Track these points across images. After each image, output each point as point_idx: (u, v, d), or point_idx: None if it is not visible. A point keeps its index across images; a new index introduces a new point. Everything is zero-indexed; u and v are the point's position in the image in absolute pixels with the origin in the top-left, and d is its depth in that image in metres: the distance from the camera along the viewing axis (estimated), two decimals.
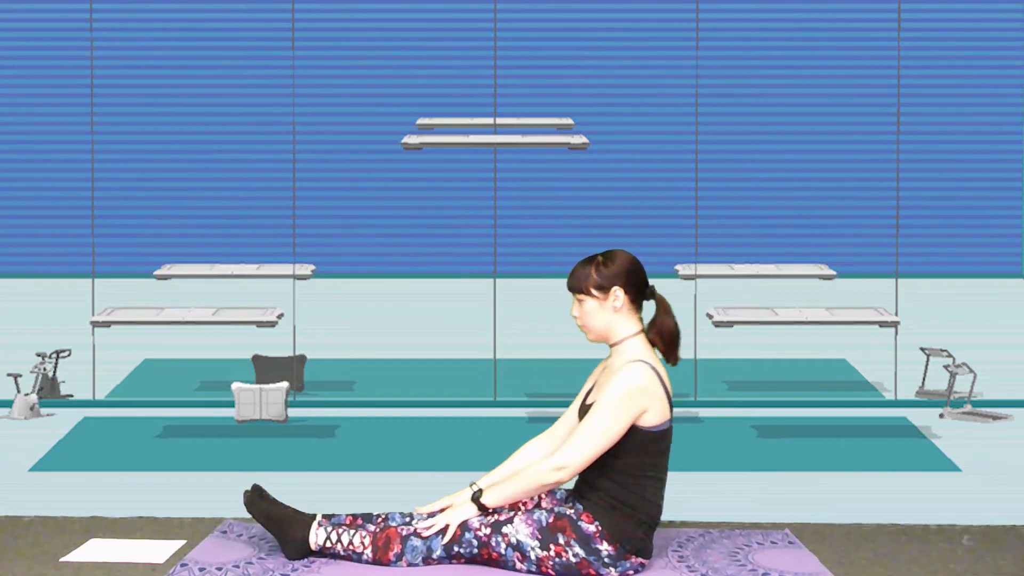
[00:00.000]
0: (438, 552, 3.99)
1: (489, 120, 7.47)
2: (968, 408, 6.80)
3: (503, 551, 3.96)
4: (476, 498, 4.01)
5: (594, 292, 4.05)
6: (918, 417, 6.80)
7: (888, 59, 10.89)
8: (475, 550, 3.98)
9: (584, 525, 3.93)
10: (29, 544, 4.39)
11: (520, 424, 6.67)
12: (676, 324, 4.07)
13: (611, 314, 4.04)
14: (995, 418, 6.74)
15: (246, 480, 4.51)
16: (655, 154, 11.68)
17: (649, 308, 4.13)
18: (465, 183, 11.63)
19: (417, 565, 3.99)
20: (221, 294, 8.62)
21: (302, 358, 7.24)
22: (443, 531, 3.99)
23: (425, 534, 3.99)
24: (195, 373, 7.83)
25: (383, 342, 8.83)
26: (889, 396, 7.21)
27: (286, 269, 7.23)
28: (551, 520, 3.95)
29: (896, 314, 6.84)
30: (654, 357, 4.04)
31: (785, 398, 7.13)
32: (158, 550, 4.31)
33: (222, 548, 4.23)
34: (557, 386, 7.46)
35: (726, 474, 5.82)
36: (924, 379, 7.19)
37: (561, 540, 3.93)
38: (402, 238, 11.83)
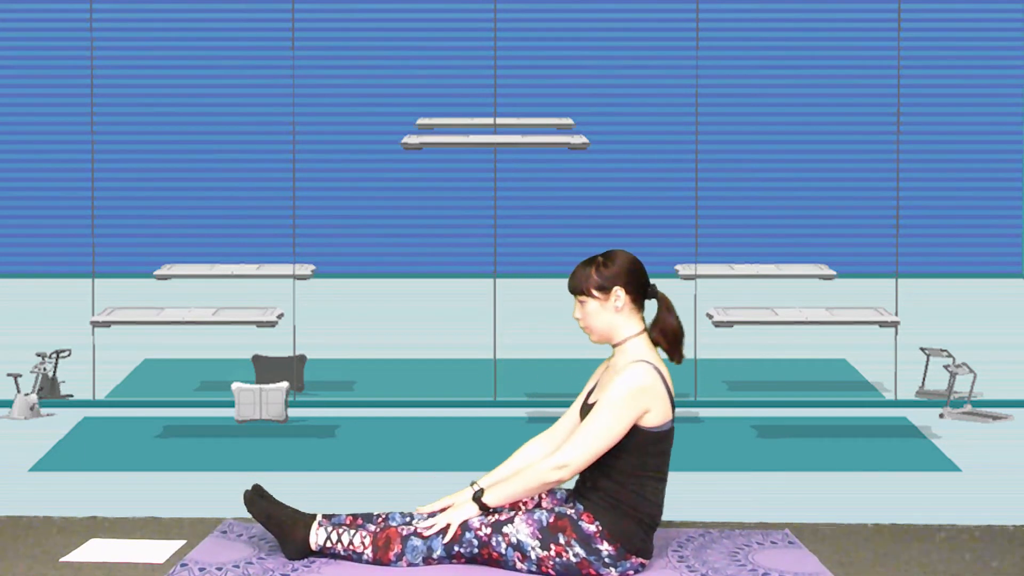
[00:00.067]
0: (438, 552, 3.99)
1: (489, 120, 7.47)
2: (968, 408, 6.80)
3: (503, 551, 3.96)
4: (477, 497, 4.01)
5: (595, 293, 4.05)
6: (918, 417, 6.80)
7: (888, 59, 10.90)
8: (475, 550, 3.98)
9: (585, 525, 3.93)
10: (29, 544, 4.38)
11: (520, 424, 6.67)
12: (679, 322, 4.07)
13: (613, 314, 4.05)
14: (995, 418, 6.74)
15: (246, 480, 4.51)
16: (655, 154, 11.68)
17: (651, 308, 4.13)
18: (465, 183, 11.63)
19: (417, 565, 3.99)
20: (221, 294, 8.62)
21: (302, 358, 7.24)
22: (444, 531, 3.99)
23: (426, 534, 3.99)
24: (195, 373, 7.82)
25: (383, 342, 8.83)
26: (889, 396, 7.21)
27: (286, 269, 7.23)
28: (552, 520, 3.95)
29: (896, 314, 6.84)
30: (657, 357, 4.04)
31: (785, 398, 7.13)
32: (158, 550, 4.31)
33: (222, 548, 4.23)
34: (557, 386, 7.46)
35: (726, 474, 5.82)
36: (924, 379, 7.19)
37: (562, 540, 3.93)
38: (402, 238, 11.83)
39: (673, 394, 4.03)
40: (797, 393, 7.37)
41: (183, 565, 4.09)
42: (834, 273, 7.19)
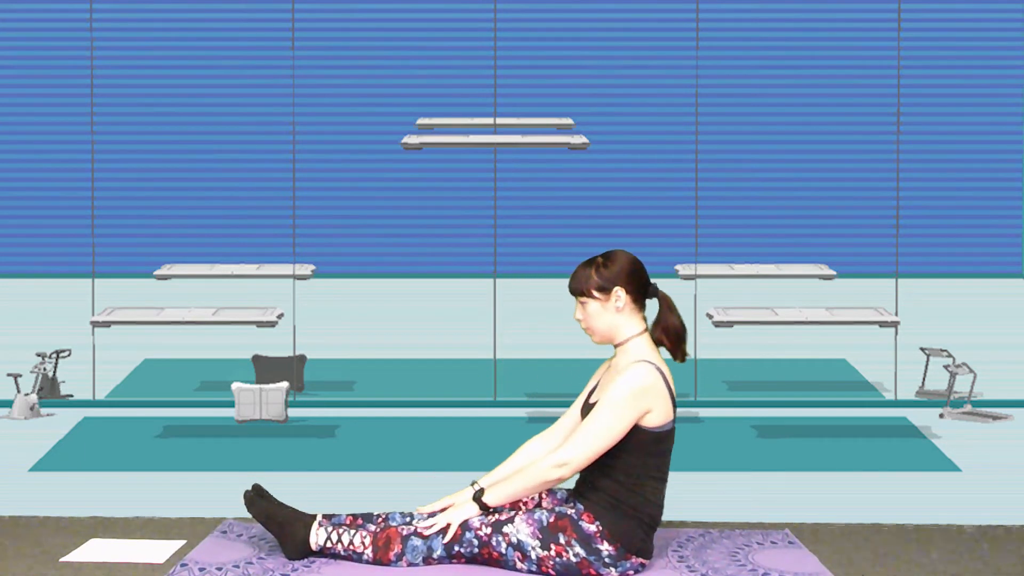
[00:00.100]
0: (438, 552, 3.99)
1: (489, 120, 7.47)
2: (968, 408, 6.80)
3: (504, 551, 3.96)
4: (477, 497, 4.01)
5: (596, 294, 4.05)
6: (918, 417, 6.80)
7: (888, 59, 10.90)
8: (476, 550, 3.98)
9: (585, 525, 3.93)
10: (29, 544, 4.38)
11: (520, 424, 6.67)
12: (681, 320, 4.07)
13: (614, 315, 4.05)
14: (995, 418, 6.74)
15: (246, 480, 4.51)
16: (655, 154, 11.68)
17: (651, 307, 4.13)
18: (465, 183, 11.63)
19: (417, 565, 3.99)
20: (221, 294, 8.62)
21: (302, 358, 7.24)
22: (444, 531, 3.99)
23: (426, 533, 3.99)
24: (195, 373, 7.83)
25: (383, 342, 8.83)
26: (889, 396, 7.21)
27: (286, 269, 7.23)
28: (552, 520, 3.95)
29: (896, 314, 6.84)
30: (659, 357, 4.04)
31: (785, 398, 7.14)
32: (158, 550, 4.31)
33: (222, 548, 4.23)
34: (557, 386, 7.46)
35: (726, 474, 5.82)
36: (924, 379, 7.19)
37: (562, 540, 3.93)
38: (402, 238, 11.83)
39: (675, 394, 4.03)
40: (797, 393, 7.37)
41: (183, 565, 4.09)
42: (834, 273, 7.19)
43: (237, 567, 4.05)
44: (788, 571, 4.07)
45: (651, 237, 11.12)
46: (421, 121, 7.51)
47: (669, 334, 4.06)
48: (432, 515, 4.10)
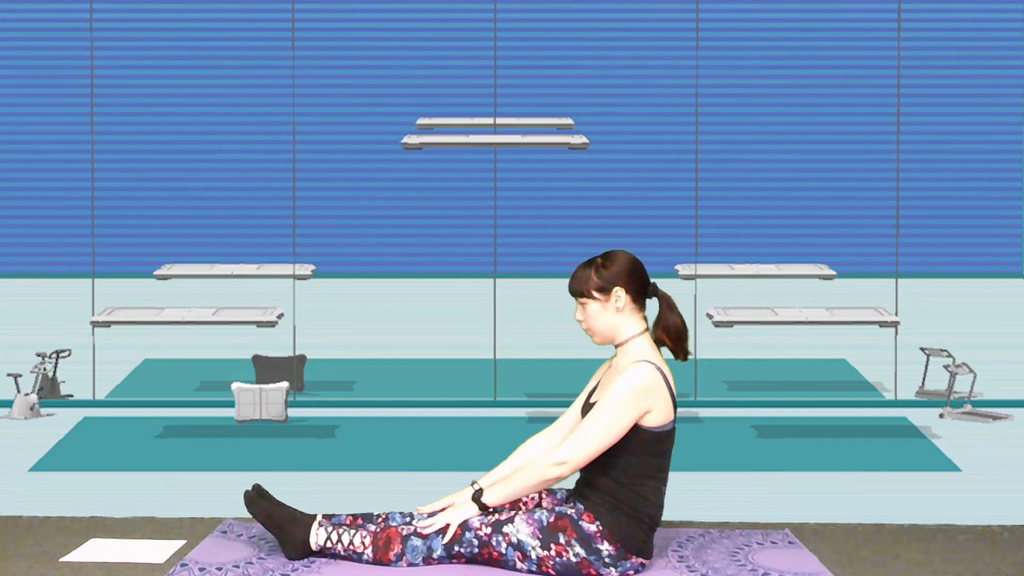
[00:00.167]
0: (438, 552, 3.99)
1: (489, 120, 7.47)
2: (968, 408, 6.80)
3: (504, 551, 3.96)
4: (476, 498, 4.01)
5: (596, 294, 4.05)
6: (918, 417, 6.79)
7: (888, 59, 10.90)
8: (476, 550, 3.98)
9: (585, 525, 3.93)
10: (29, 544, 4.38)
11: (520, 424, 6.67)
12: (682, 319, 4.07)
13: (614, 315, 4.05)
14: (995, 418, 6.74)
15: (246, 480, 4.51)
16: (655, 154, 11.68)
17: (652, 307, 4.13)
18: (465, 183, 11.63)
19: (417, 565, 3.99)
20: (221, 294, 8.62)
21: (302, 358, 7.24)
22: (443, 531, 3.99)
23: (425, 532, 3.99)
24: (195, 373, 7.82)
25: (383, 342, 8.83)
26: (889, 396, 7.21)
27: (286, 269, 7.23)
28: (552, 520, 3.95)
29: (896, 314, 6.84)
30: (659, 357, 4.04)
31: (785, 398, 7.13)
32: (158, 550, 4.31)
33: (222, 548, 4.23)
34: (557, 386, 7.46)
35: (726, 474, 5.82)
36: (924, 379, 7.19)
37: (562, 540, 3.93)
38: (402, 238, 11.83)
39: (675, 394, 4.03)
40: (797, 393, 7.37)
41: (183, 565, 4.09)
42: (834, 273, 7.19)
43: (237, 567, 4.05)
44: (788, 571, 4.07)
45: (651, 237, 11.12)
46: (421, 121, 7.50)
47: (670, 333, 4.06)
48: (432, 515, 4.10)
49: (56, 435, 6.41)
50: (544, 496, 4.16)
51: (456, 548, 3.98)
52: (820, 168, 11.72)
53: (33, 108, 11.64)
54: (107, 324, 6.79)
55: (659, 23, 11.64)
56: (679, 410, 6.54)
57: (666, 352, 4.13)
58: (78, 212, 10.84)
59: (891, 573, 4.15)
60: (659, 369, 3.98)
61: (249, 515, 4.31)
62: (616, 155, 11.62)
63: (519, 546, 3.94)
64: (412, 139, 7.14)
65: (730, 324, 6.72)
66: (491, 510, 4.02)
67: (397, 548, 3.99)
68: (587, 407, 4.08)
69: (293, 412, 6.79)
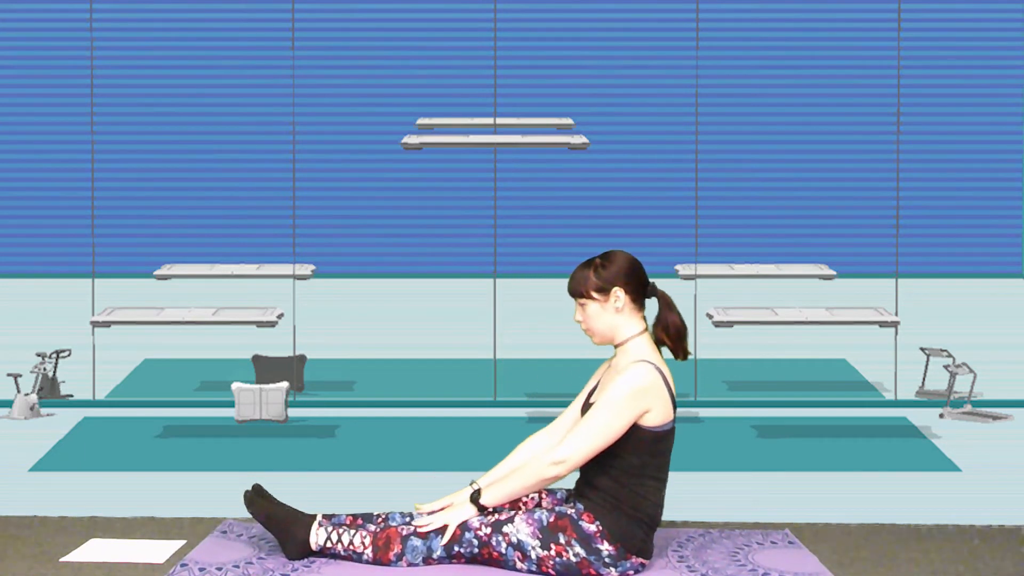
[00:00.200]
0: (438, 552, 3.99)
1: (489, 120, 7.47)
2: (968, 408, 6.80)
3: (504, 550, 3.96)
4: (475, 499, 4.01)
5: (595, 295, 4.05)
6: (918, 417, 6.80)
7: (888, 59, 10.90)
8: (475, 550, 3.98)
9: (585, 525, 3.93)
10: (29, 544, 4.38)
11: (520, 424, 6.67)
12: (681, 319, 4.07)
13: (614, 315, 4.05)
14: (995, 418, 6.74)
15: (246, 480, 4.51)
16: (655, 154, 11.68)
17: (652, 307, 4.13)
18: (465, 183, 11.63)
19: (417, 565, 3.99)
20: (221, 294, 8.62)
21: (302, 358, 7.24)
22: (443, 531, 3.99)
23: (423, 531, 3.99)
24: (195, 373, 7.82)
25: (383, 342, 8.83)
26: (889, 396, 7.21)
27: (286, 269, 7.23)
28: (552, 519, 3.95)
29: (896, 314, 6.84)
30: (659, 357, 4.04)
31: (785, 398, 7.14)
32: (158, 550, 4.31)
33: (222, 548, 4.23)
34: (557, 386, 7.46)
35: (726, 474, 5.82)
36: (924, 379, 7.19)
37: (562, 539, 3.93)
38: (402, 238, 11.83)
39: (675, 394, 4.03)
40: (797, 393, 7.37)
41: (183, 565, 4.09)
42: (834, 273, 7.19)
43: (237, 567, 4.05)
44: (788, 571, 4.07)
45: (651, 237, 11.12)
46: (421, 121, 7.51)
47: (670, 332, 4.06)
48: (431, 514, 4.10)
49: (56, 435, 6.41)
50: (544, 496, 4.16)
51: (456, 548, 3.98)
52: (820, 168, 11.72)
53: (33, 108, 11.64)
54: (107, 324, 6.80)
55: (659, 23, 11.64)
56: (679, 410, 6.56)
57: (666, 352, 4.13)
58: (78, 212, 10.84)
59: (891, 573, 4.15)
60: (658, 369, 3.98)
61: (249, 515, 4.31)
62: (616, 155, 11.62)
63: (519, 546, 3.94)
64: (412, 139, 7.14)
65: (730, 324, 6.72)
66: (490, 510, 4.02)
67: (397, 548, 3.99)
68: (587, 407, 4.08)
69: (293, 412, 6.79)
